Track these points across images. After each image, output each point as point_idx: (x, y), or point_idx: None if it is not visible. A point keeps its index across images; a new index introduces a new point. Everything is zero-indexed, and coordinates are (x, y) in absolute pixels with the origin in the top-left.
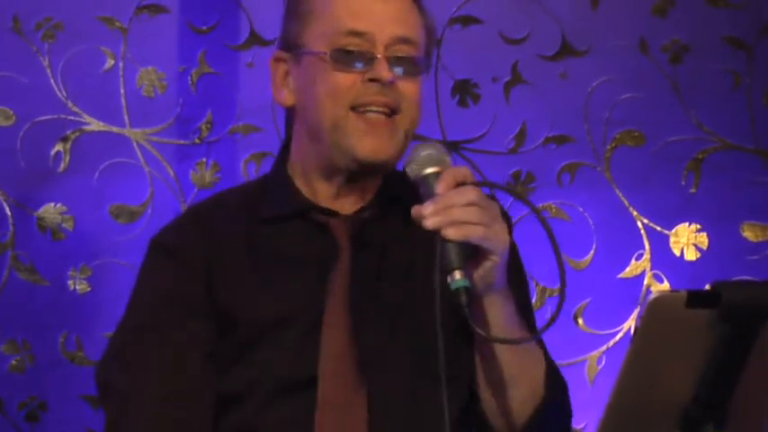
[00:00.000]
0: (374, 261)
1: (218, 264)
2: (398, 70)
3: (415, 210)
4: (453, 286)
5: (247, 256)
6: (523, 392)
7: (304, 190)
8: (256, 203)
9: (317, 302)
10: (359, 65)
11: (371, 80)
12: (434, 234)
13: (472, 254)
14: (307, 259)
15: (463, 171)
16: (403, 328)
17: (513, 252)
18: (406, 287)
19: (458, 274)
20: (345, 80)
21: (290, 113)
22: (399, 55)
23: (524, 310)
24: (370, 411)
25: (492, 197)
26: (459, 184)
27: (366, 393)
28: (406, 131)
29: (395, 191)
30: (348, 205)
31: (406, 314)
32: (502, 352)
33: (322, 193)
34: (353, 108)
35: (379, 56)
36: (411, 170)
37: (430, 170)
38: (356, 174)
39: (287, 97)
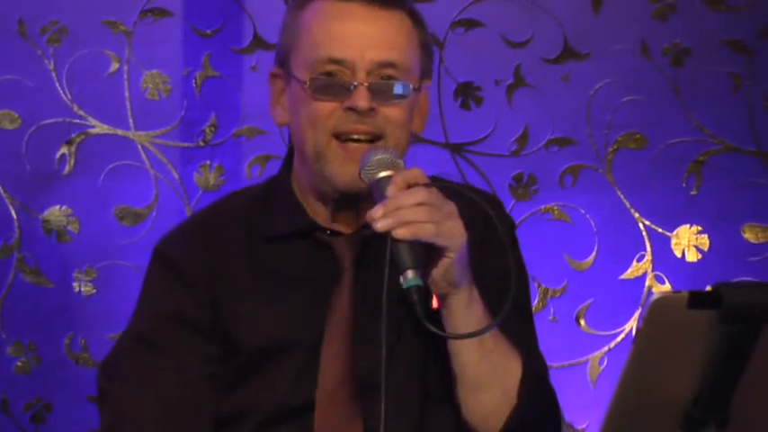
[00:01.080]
0: (376, 281)
1: (221, 283)
2: (381, 96)
3: (368, 214)
4: (405, 285)
5: (250, 276)
6: (495, 397)
7: (308, 208)
8: (260, 217)
9: (318, 325)
10: (338, 94)
11: (350, 109)
12: (386, 236)
13: (426, 253)
14: (309, 279)
15: (414, 173)
16: (402, 351)
17: (513, 251)
18: (407, 308)
19: (410, 273)
20: (325, 109)
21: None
22: (383, 80)
23: (517, 310)
24: None
25: (494, 199)
26: (411, 185)
27: (362, 421)
28: None
29: None
30: (347, 224)
31: (407, 336)
32: (468, 353)
33: (321, 213)
34: (336, 136)
35: (356, 84)
36: (365, 175)
37: (382, 174)
38: (341, 201)
39: (281, 115)
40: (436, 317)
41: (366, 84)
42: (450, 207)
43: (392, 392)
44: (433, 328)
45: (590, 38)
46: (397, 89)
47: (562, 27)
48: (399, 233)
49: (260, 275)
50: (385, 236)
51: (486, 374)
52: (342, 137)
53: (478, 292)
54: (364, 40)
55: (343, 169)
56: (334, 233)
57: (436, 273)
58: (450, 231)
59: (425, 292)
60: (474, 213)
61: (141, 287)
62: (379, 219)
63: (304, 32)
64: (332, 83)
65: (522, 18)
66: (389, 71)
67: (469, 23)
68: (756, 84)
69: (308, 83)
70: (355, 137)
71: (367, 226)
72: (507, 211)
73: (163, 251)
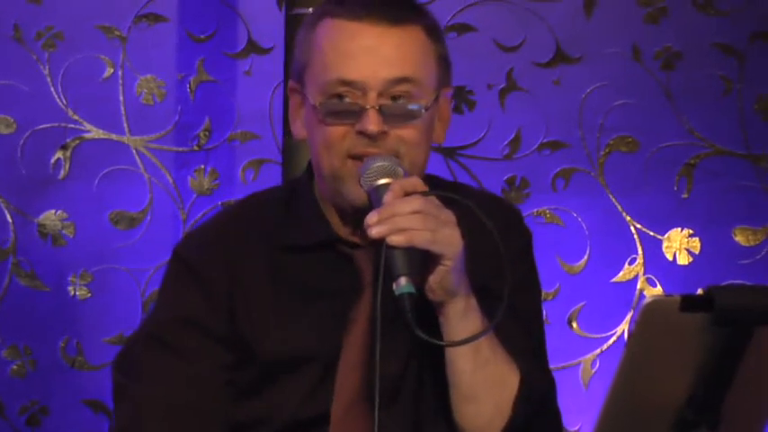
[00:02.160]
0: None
1: (240, 292)
2: (392, 119)
3: (365, 220)
4: (397, 292)
5: (268, 287)
6: (488, 408)
7: (329, 219)
8: (283, 226)
9: (336, 339)
10: (349, 117)
11: (361, 132)
12: (381, 243)
13: (423, 260)
14: (329, 291)
15: (412, 181)
16: (419, 365)
17: (528, 263)
18: (431, 324)
19: (402, 281)
20: (337, 133)
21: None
22: (394, 101)
23: (525, 320)
24: None
25: (513, 210)
26: (408, 193)
27: None
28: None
29: None
30: (366, 237)
31: (425, 349)
32: (463, 362)
33: (341, 225)
34: (351, 157)
35: (367, 107)
36: (364, 182)
37: (381, 181)
38: (359, 217)
39: (300, 130)
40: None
41: (377, 107)
42: (448, 215)
43: (407, 405)
44: (421, 335)
45: (582, 42)
46: (409, 110)
47: (554, 31)
48: (394, 240)
49: (280, 286)
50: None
51: (480, 385)
52: (356, 157)
53: (487, 300)
54: (376, 58)
55: (358, 188)
56: (355, 245)
57: (433, 280)
58: (447, 239)
59: (421, 300)
60: (493, 222)
61: (161, 287)
62: (374, 225)
63: (316, 52)
64: (342, 107)
65: (515, 22)
66: (404, 87)
67: (462, 28)
68: (747, 87)
69: (319, 107)
70: None
71: None
72: (525, 222)
73: (184, 255)
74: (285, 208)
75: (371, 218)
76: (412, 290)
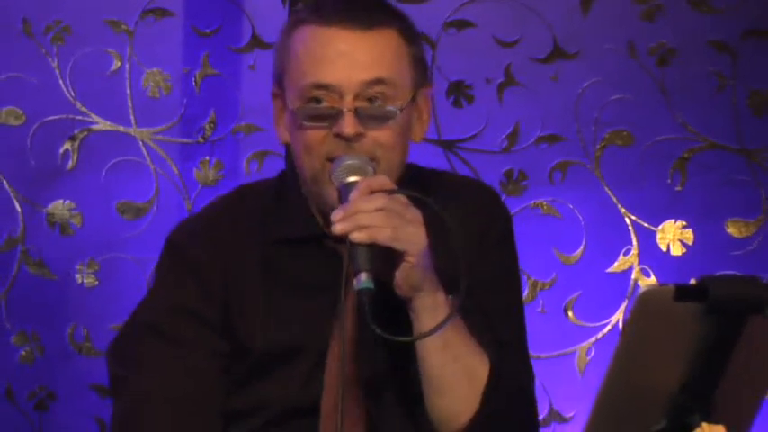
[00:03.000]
0: (377, 296)
1: (233, 284)
2: (368, 120)
3: (331, 216)
4: (356, 287)
5: (261, 279)
6: (457, 401)
7: (315, 212)
8: (273, 219)
9: (326, 331)
10: (326, 121)
11: (337, 135)
12: (345, 239)
13: (388, 257)
14: (318, 285)
15: (379, 180)
16: (403, 363)
17: (507, 245)
18: (405, 321)
19: (363, 276)
20: (316, 136)
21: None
22: (371, 101)
23: (503, 313)
24: None
25: (491, 192)
26: (374, 191)
27: (366, 423)
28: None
29: None
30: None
31: (406, 348)
32: (432, 356)
33: (326, 221)
34: (330, 160)
35: (344, 110)
36: (334, 178)
37: (350, 179)
38: None
39: (284, 134)
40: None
41: (353, 109)
42: (414, 214)
43: (394, 393)
44: (376, 329)
45: (578, 38)
46: (385, 111)
47: (551, 28)
48: (355, 236)
49: (270, 279)
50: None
51: (450, 378)
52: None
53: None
54: (350, 62)
55: (335, 189)
56: (342, 240)
57: (398, 276)
58: (409, 237)
59: (396, 297)
60: (471, 207)
61: (154, 276)
62: (338, 221)
63: (292, 58)
64: (319, 111)
65: (513, 19)
66: (379, 89)
67: (461, 24)
68: (740, 83)
69: (297, 111)
70: None
71: None
72: (504, 204)
73: (177, 245)
74: (275, 200)
75: (336, 214)
76: (371, 286)
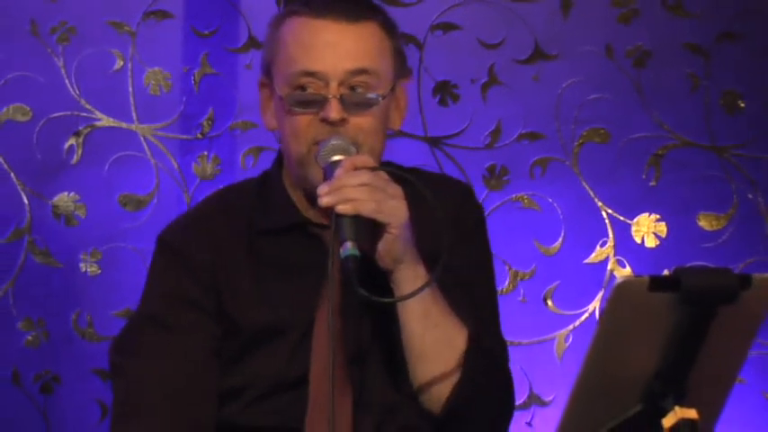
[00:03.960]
0: (361, 269)
1: (222, 271)
2: (352, 107)
3: (317, 190)
4: (343, 255)
5: (248, 265)
6: (438, 368)
7: (297, 202)
8: (257, 212)
9: (310, 310)
10: (312, 106)
11: (323, 120)
12: (330, 211)
13: (371, 230)
14: (302, 268)
15: (362, 158)
16: (386, 331)
17: (480, 236)
18: (388, 292)
19: (348, 245)
20: (303, 121)
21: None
22: (354, 89)
23: (479, 293)
24: (355, 410)
25: (465, 187)
26: (358, 168)
27: (351, 393)
28: None
29: None
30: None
31: (389, 318)
32: (413, 324)
33: (310, 208)
34: (316, 144)
35: (329, 96)
36: (320, 159)
37: (335, 158)
38: None
39: (270, 121)
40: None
41: (338, 96)
42: (395, 189)
43: (378, 360)
44: (363, 293)
45: (559, 40)
46: (367, 99)
47: (533, 30)
48: (341, 208)
49: (257, 265)
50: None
51: (430, 346)
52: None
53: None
54: (336, 51)
55: (321, 171)
56: (324, 226)
57: (381, 248)
58: (392, 210)
59: (379, 271)
60: (446, 200)
61: (148, 273)
62: (324, 195)
63: (281, 48)
64: (306, 97)
65: (496, 22)
66: (362, 78)
67: (447, 26)
68: (713, 84)
69: (285, 97)
70: None
71: None
72: (477, 197)
73: (168, 242)
74: (258, 196)
75: (322, 188)
76: (356, 253)
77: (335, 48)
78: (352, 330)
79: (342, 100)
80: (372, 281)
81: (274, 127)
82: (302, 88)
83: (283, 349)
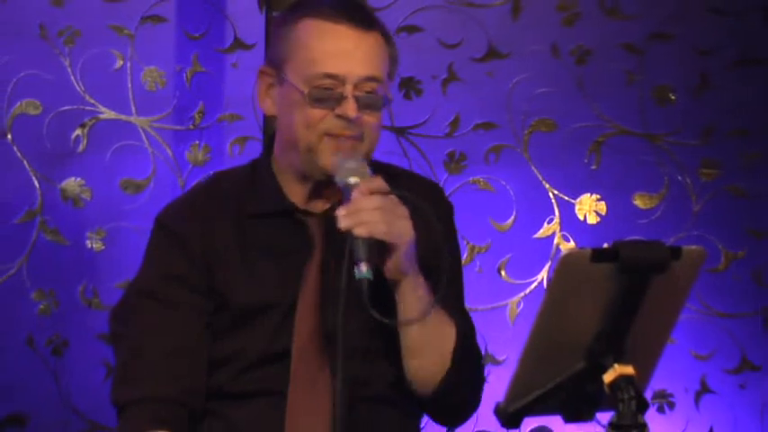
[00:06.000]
0: (342, 255)
1: (213, 252)
2: (364, 107)
3: (336, 212)
4: (357, 275)
5: (237, 246)
6: (433, 360)
7: (285, 189)
8: (246, 197)
9: (293, 290)
10: (330, 103)
11: (340, 116)
12: (347, 233)
13: (380, 247)
14: (286, 251)
15: (377, 183)
16: (362, 311)
17: (450, 232)
18: (383, 289)
19: (363, 267)
20: (319, 114)
21: (272, 119)
22: (365, 92)
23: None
24: (334, 385)
25: (436, 187)
26: (372, 192)
27: (329, 367)
28: (366, 153)
29: None
30: (319, 205)
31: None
32: (410, 328)
33: (297, 193)
34: (326, 135)
35: (347, 95)
36: (338, 179)
37: (352, 180)
38: (324, 182)
39: (270, 107)
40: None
41: (354, 96)
42: (403, 211)
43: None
44: (377, 316)
45: (510, 41)
46: (375, 101)
47: (487, 32)
48: (357, 231)
49: (245, 247)
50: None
51: (425, 341)
52: (332, 135)
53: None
54: (354, 56)
55: (332, 159)
56: (308, 213)
57: (389, 263)
58: (400, 230)
59: (379, 282)
60: (424, 199)
61: (146, 250)
62: (343, 218)
63: (300, 47)
64: (326, 94)
65: (455, 25)
66: (372, 84)
67: (411, 29)
68: (645, 79)
69: (306, 93)
70: (343, 138)
71: (334, 208)
72: (447, 195)
73: (165, 222)
74: (248, 182)
75: (341, 212)
76: (370, 276)
77: (353, 54)
78: (329, 314)
79: (357, 99)
80: (377, 288)
81: (273, 113)
82: (323, 87)
83: (268, 325)
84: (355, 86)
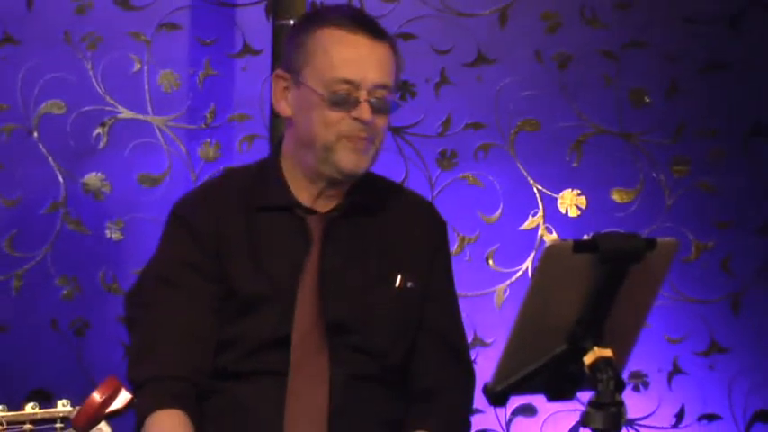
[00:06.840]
0: (338, 252)
1: (223, 242)
2: (377, 111)
3: None
4: None
5: (245, 238)
6: None
7: (292, 187)
8: (254, 192)
9: (295, 282)
10: (347, 106)
11: (356, 119)
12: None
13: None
14: (289, 245)
15: None
16: (358, 304)
17: (444, 245)
18: (362, 272)
19: None
20: (336, 116)
21: (284, 119)
22: (378, 97)
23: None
24: (331, 368)
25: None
26: None
27: (328, 353)
28: (375, 152)
29: (359, 196)
30: (323, 205)
31: (361, 293)
32: None
33: (304, 192)
34: (343, 136)
35: (362, 100)
36: None
37: None
38: (337, 181)
39: (285, 109)
40: (401, 295)
41: (369, 101)
42: None
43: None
44: None
45: (497, 48)
46: (386, 106)
47: (476, 39)
48: None
49: (252, 238)
50: (347, 214)
51: None
52: (348, 137)
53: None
54: (369, 63)
55: (349, 157)
56: (311, 211)
57: None
58: None
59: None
60: (415, 217)
61: (161, 239)
62: None
63: (320, 54)
64: (343, 98)
65: (447, 32)
66: (382, 91)
67: (407, 36)
68: (622, 83)
69: (325, 96)
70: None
71: (337, 208)
72: (439, 213)
73: (180, 213)
74: (256, 178)
75: None
76: None
77: (368, 62)
78: (328, 304)
79: (371, 104)
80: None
81: (288, 114)
82: (339, 91)
83: (271, 313)
84: (368, 92)
